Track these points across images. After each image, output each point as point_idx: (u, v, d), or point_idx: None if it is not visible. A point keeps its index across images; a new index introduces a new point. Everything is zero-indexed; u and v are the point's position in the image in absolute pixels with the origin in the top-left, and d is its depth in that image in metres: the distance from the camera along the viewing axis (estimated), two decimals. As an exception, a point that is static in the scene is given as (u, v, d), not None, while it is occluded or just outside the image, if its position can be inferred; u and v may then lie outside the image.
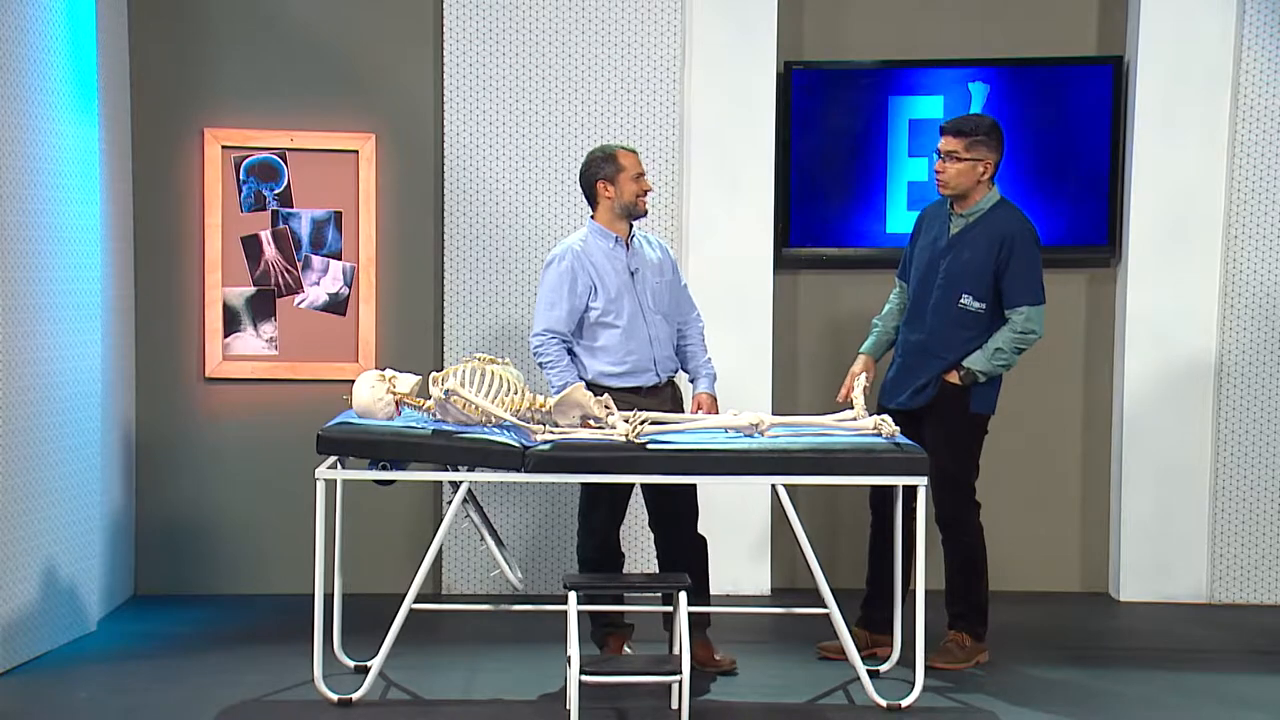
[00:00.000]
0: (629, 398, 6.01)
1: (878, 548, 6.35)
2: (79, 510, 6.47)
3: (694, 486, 6.10)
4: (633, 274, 6.09)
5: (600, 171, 6.07)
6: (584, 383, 5.94)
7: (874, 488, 6.27)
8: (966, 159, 6.11)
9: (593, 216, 6.14)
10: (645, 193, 6.09)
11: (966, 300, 6.12)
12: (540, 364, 6.10)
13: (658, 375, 6.13)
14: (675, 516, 6.13)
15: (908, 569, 6.05)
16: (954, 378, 6.12)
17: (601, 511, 6.10)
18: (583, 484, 6.06)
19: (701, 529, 6.24)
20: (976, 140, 6.11)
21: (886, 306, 6.48)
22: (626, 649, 6.15)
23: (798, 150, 7.49)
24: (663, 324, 6.15)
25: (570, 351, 6.09)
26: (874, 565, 6.36)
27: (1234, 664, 6.40)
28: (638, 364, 6.08)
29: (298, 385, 7.38)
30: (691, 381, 6.29)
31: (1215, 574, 7.48)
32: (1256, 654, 6.59)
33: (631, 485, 6.12)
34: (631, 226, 6.15)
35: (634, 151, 6.12)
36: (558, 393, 5.86)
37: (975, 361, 6.10)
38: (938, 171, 6.17)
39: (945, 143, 6.15)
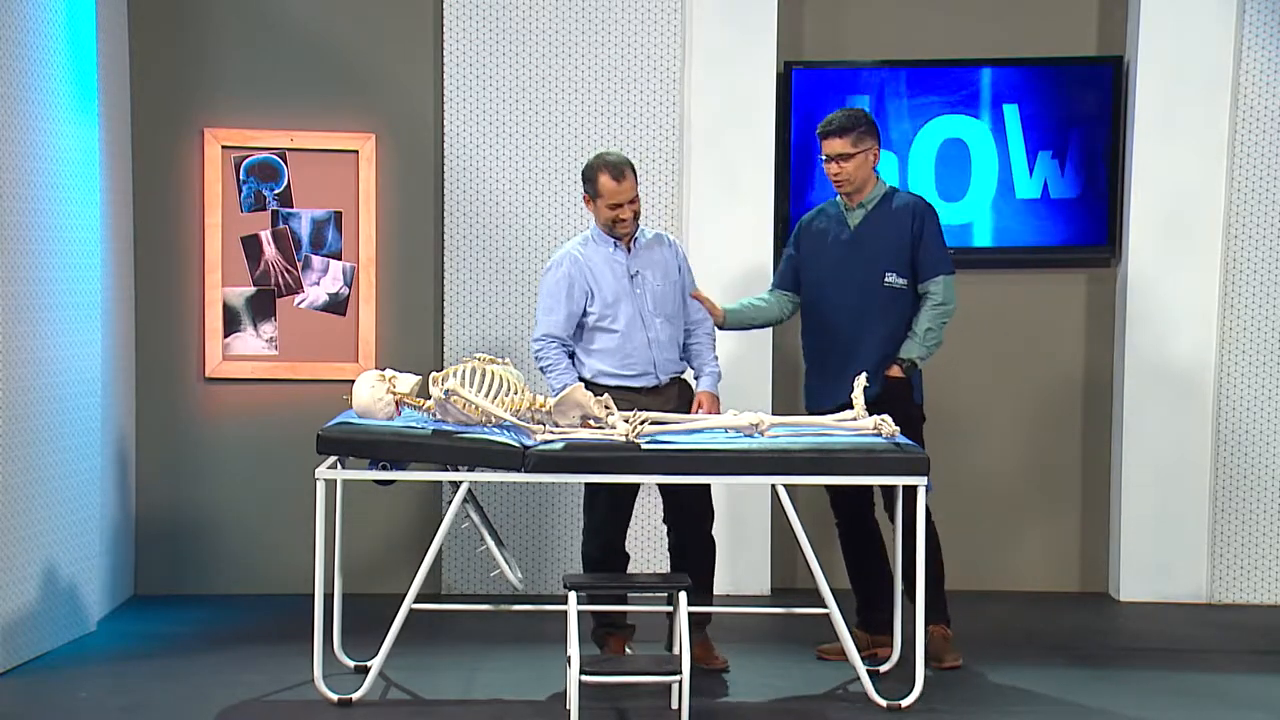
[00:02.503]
0: (630, 396, 6.02)
1: (851, 551, 6.37)
2: (79, 510, 6.47)
3: (709, 487, 6.11)
4: (633, 277, 6.09)
5: (585, 186, 6.11)
6: (583, 382, 5.96)
7: (832, 493, 6.29)
8: (857, 153, 6.17)
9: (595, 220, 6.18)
10: (624, 220, 6.02)
11: (891, 278, 6.18)
12: (540, 368, 6.13)
13: (657, 377, 6.13)
14: (691, 515, 6.15)
15: (884, 569, 6.13)
16: (896, 371, 6.14)
17: (601, 511, 6.11)
18: (585, 484, 6.06)
19: (702, 529, 6.27)
20: (860, 133, 6.18)
21: (756, 301, 6.47)
22: (627, 650, 6.15)
23: (798, 150, 7.49)
24: (665, 326, 6.14)
25: (572, 353, 6.11)
26: (852, 569, 6.39)
27: (1234, 664, 6.39)
28: (635, 366, 6.09)
29: (298, 385, 7.38)
30: (695, 379, 6.29)
31: (1215, 574, 7.48)
32: (1256, 654, 6.58)
33: (636, 487, 6.13)
34: (633, 233, 6.15)
35: (619, 175, 5.98)
36: (557, 395, 5.87)
37: (911, 349, 6.15)
38: (834, 175, 6.21)
39: (831, 146, 6.18)
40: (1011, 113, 7.45)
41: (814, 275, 6.34)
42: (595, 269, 6.07)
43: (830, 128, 6.21)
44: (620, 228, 6.06)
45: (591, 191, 6.06)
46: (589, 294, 6.05)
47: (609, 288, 6.06)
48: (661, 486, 6.11)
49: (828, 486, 6.22)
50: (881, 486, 6.14)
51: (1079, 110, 7.46)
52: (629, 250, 6.12)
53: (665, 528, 6.29)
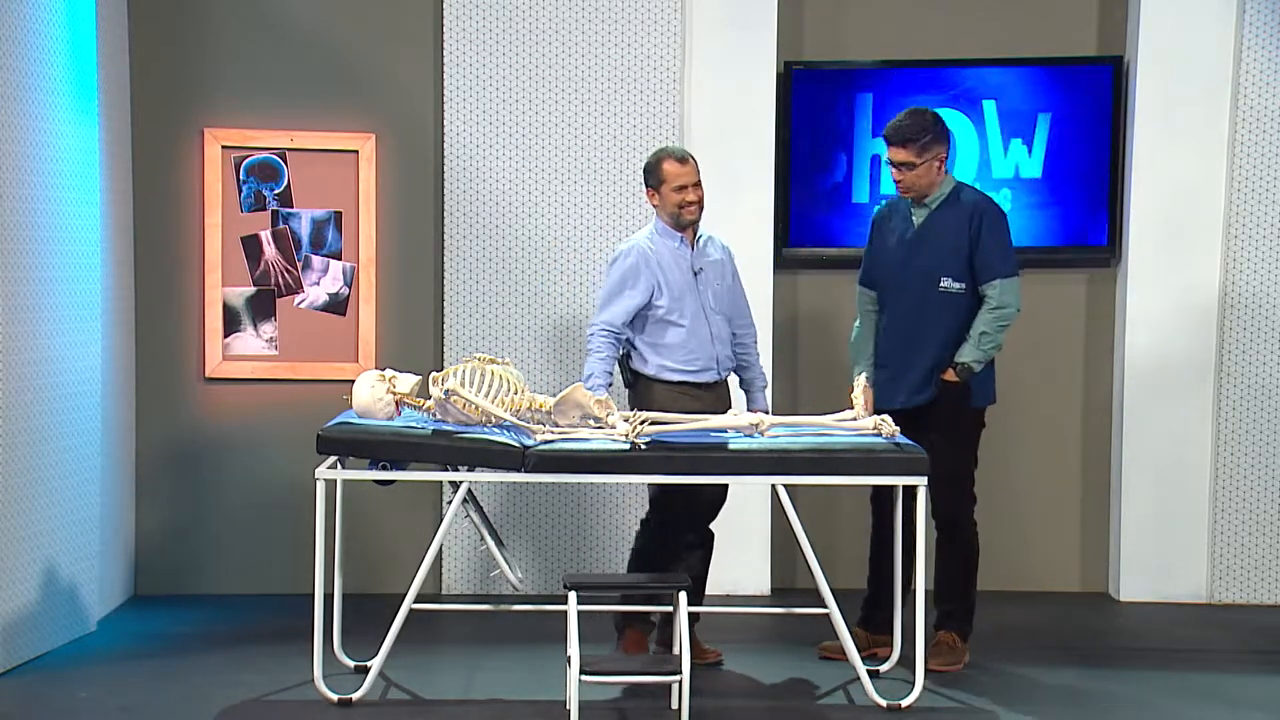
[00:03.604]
0: (693, 392, 6.08)
1: (879, 547, 6.34)
2: (79, 510, 6.47)
3: (726, 486, 6.11)
4: (696, 273, 6.13)
5: (647, 180, 6.16)
6: (645, 379, 6.08)
7: (875, 487, 6.27)
8: (922, 163, 6.12)
9: (658, 215, 6.20)
10: (691, 203, 6.08)
11: (947, 283, 6.12)
12: (586, 348, 6.16)
13: (718, 373, 6.18)
14: (705, 508, 6.17)
15: (908, 569, 6.06)
16: (951, 376, 6.11)
17: (675, 508, 6.09)
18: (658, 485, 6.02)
19: (703, 529, 6.28)
20: (925, 143, 6.11)
21: (858, 324, 6.44)
22: (651, 645, 6.11)
23: (798, 150, 7.49)
24: (723, 324, 6.19)
25: (632, 345, 6.14)
26: (875, 565, 6.36)
27: (1234, 664, 6.40)
28: (699, 361, 6.12)
29: (298, 385, 7.38)
30: (745, 390, 6.34)
31: (1215, 574, 7.48)
32: (1256, 654, 6.58)
33: (714, 488, 6.08)
34: (697, 227, 6.17)
35: (683, 159, 6.09)
36: (587, 379, 5.89)
37: (966, 354, 6.10)
38: (898, 181, 6.18)
39: (896, 154, 6.12)
40: (990, 107, 7.47)
41: (880, 275, 6.33)
42: (664, 262, 6.11)
43: (895, 135, 6.13)
44: (687, 213, 6.09)
45: (655, 181, 6.10)
46: (656, 287, 6.09)
47: (676, 282, 6.10)
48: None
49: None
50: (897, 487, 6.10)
51: (1079, 110, 7.47)
52: (693, 247, 6.15)
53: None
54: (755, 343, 6.37)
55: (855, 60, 7.56)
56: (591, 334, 6.11)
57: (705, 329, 6.13)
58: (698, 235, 6.19)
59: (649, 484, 6.13)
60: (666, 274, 6.09)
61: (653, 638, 6.16)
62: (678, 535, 6.14)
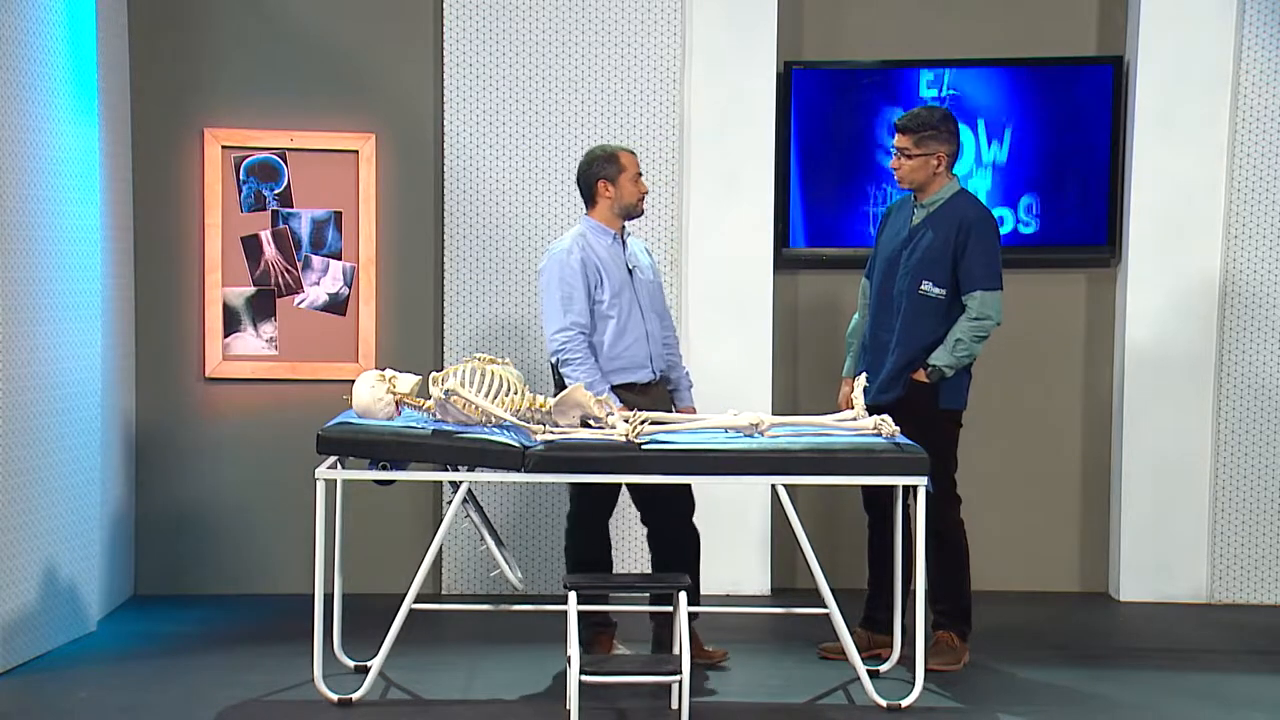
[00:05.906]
0: (625, 394, 6.04)
1: (877, 547, 6.35)
2: (79, 510, 6.47)
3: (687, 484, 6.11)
4: (631, 270, 6.13)
5: (601, 171, 6.11)
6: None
7: (866, 488, 6.27)
8: (918, 155, 6.15)
9: (588, 214, 6.17)
10: (644, 193, 6.17)
11: (927, 286, 6.14)
12: (563, 360, 6.02)
13: (653, 372, 6.16)
14: (677, 511, 6.15)
15: (907, 569, 6.06)
16: (921, 376, 6.12)
17: (585, 505, 6.11)
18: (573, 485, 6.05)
19: (702, 529, 6.26)
20: (925, 136, 6.15)
21: (856, 316, 6.49)
22: (617, 646, 6.13)
23: (798, 150, 7.49)
24: (656, 321, 6.21)
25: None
26: (874, 565, 6.36)
27: (1234, 664, 6.40)
28: (635, 360, 6.11)
29: (298, 385, 7.39)
30: (672, 392, 6.33)
31: (1215, 574, 7.48)
32: (1256, 654, 6.58)
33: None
34: (624, 225, 6.19)
35: (633, 153, 6.19)
36: (587, 386, 5.89)
37: (939, 357, 6.11)
38: (892, 168, 6.26)
39: (897, 139, 6.21)
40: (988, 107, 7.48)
41: (875, 268, 6.36)
42: (602, 258, 6.10)
43: (900, 121, 6.23)
44: (641, 204, 6.16)
45: (612, 172, 6.10)
46: (598, 280, 6.08)
47: (615, 277, 6.10)
48: (635, 494, 6.13)
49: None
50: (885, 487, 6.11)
51: (1079, 110, 7.47)
52: (624, 245, 6.16)
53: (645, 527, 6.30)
54: (677, 343, 6.40)
55: (855, 60, 7.56)
56: (565, 343, 5.99)
57: (641, 327, 6.12)
58: (626, 234, 6.21)
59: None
60: (606, 269, 6.09)
61: (617, 636, 6.16)
62: (592, 526, 6.13)
